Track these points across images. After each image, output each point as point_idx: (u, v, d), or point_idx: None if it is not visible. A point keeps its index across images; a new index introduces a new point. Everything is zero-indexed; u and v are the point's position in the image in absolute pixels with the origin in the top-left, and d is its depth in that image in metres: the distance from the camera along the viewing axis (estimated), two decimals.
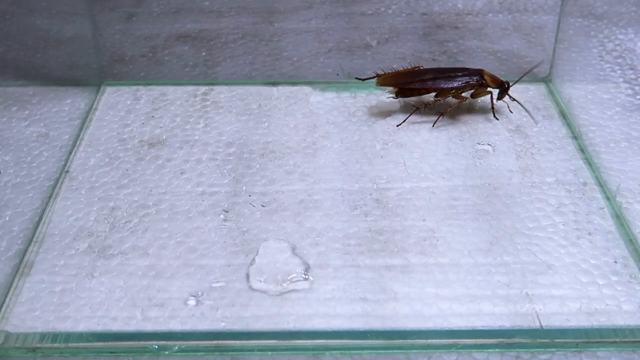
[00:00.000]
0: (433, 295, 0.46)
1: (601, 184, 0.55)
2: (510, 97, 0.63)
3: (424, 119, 0.62)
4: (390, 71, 0.64)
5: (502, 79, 0.63)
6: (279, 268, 0.48)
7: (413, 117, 0.63)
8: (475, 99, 0.64)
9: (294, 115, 0.63)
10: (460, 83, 0.62)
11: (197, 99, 0.65)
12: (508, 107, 0.64)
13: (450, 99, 0.63)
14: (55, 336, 0.44)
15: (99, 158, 0.58)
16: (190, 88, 0.67)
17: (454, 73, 0.63)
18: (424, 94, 0.63)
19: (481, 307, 0.45)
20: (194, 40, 0.76)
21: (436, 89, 0.62)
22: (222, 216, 0.52)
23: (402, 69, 0.64)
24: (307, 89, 0.67)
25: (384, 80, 0.63)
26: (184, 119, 0.63)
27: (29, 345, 0.44)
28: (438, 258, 0.48)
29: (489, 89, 0.63)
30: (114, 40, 0.76)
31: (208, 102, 0.65)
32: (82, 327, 0.44)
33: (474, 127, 0.61)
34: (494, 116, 0.62)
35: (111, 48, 0.74)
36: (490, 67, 0.70)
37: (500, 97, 0.63)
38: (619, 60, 0.70)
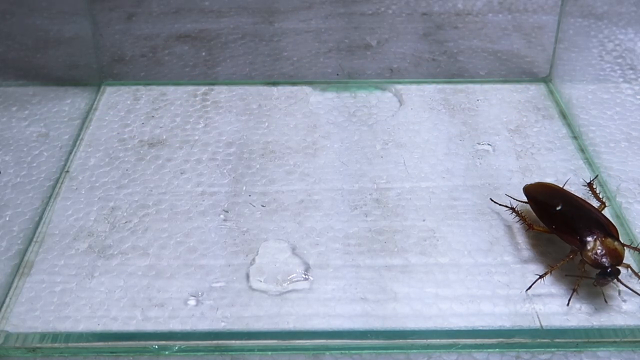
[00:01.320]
0: (433, 295, 0.46)
1: (601, 184, 0.55)
2: (621, 283, 0.45)
3: (424, 118, 0.62)
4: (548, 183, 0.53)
5: (608, 262, 0.44)
6: (279, 268, 0.48)
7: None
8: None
9: (294, 115, 0.63)
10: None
11: (197, 99, 0.65)
12: (619, 293, 0.46)
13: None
14: (55, 336, 0.44)
15: (99, 158, 0.58)
16: (190, 88, 0.67)
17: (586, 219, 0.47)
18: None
19: (481, 307, 0.45)
20: (194, 40, 0.76)
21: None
22: (222, 216, 0.52)
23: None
24: (307, 89, 0.67)
25: (531, 186, 0.52)
26: (184, 119, 0.62)
27: (29, 345, 0.44)
28: (438, 258, 0.48)
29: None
30: (114, 40, 0.76)
31: (208, 102, 0.65)
32: (82, 327, 0.44)
33: (474, 127, 0.61)
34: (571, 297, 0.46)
35: (111, 48, 0.74)
36: (491, 67, 0.70)
37: (596, 282, 0.45)
38: (619, 60, 0.70)
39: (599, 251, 0.45)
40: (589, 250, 0.45)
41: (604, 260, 0.45)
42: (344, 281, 0.47)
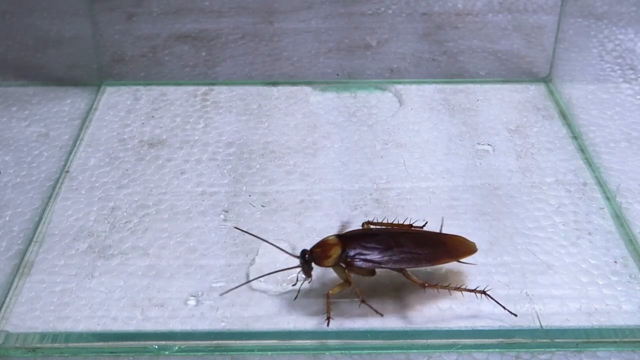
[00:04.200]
0: (433, 295, 0.46)
1: (601, 184, 0.55)
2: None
3: (424, 118, 0.62)
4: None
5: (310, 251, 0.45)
6: (279, 268, 0.48)
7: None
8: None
9: (294, 115, 0.63)
10: None
11: (197, 99, 0.65)
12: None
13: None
14: (55, 336, 0.44)
15: (99, 158, 0.58)
16: (190, 88, 0.67)
17: None
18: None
19: (481, 307, 0.45)
20: (194, 40, 0.76)
21: None
22: (222, 216, 0.52)
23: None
24: (307, 89, 0.67)
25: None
26: (184, 119, 0.62)
27: (29, 345, 0.44)
28: None
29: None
30: (114, 40, 0.76)
31: (208, 102, 0.65)
32: (82, 327, 0.44)
33: (473, 127, 0.61)
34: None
35: (111, 48, 0.74)
36: (491, 67, 0.70)
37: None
38: (619, 60, 0.70)
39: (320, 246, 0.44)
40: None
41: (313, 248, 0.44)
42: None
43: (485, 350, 0.43)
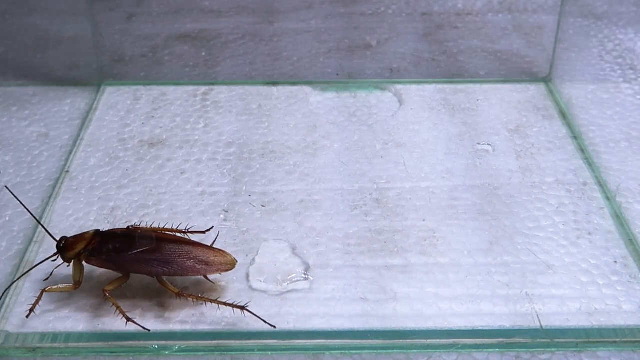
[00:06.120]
0: (433, 295, 0.46)
1: (601, 184, 0.55)
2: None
3: (424, 118, 0.62)
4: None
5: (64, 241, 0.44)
6: (279, 268, 0.48)
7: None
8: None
9: (294, 115, 0.63)
10: None
11: (197, 99, 0.65)
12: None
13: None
14: (55, 336, 0.44)
15: (99, 158, 0.58)
16: (190, 88, 0.67)
17: None
18: None
19: (481, 307, 0.45)
20: (194, 40, 0.76)
21: None
22: (222, 216, 0.52)
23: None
24: (307, 89, 0.67)
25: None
26: (184, 119, 0.63)
27: (29, 345, 0.44)
28: (438, 258, 0.48)
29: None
30: (114, 40, 0.76)
31: (208, 102, 0.65)
32: (82, 327, 0.44)
33: (473, 127, 0.61)
34: None
35: (111, 48, 0.74)
36: (491, 67, 0.70)
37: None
38: (619, 60, 0.70)
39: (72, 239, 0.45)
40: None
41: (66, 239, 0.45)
42: (344, 281, 0.47)
43: (485, 350, 0.43)
